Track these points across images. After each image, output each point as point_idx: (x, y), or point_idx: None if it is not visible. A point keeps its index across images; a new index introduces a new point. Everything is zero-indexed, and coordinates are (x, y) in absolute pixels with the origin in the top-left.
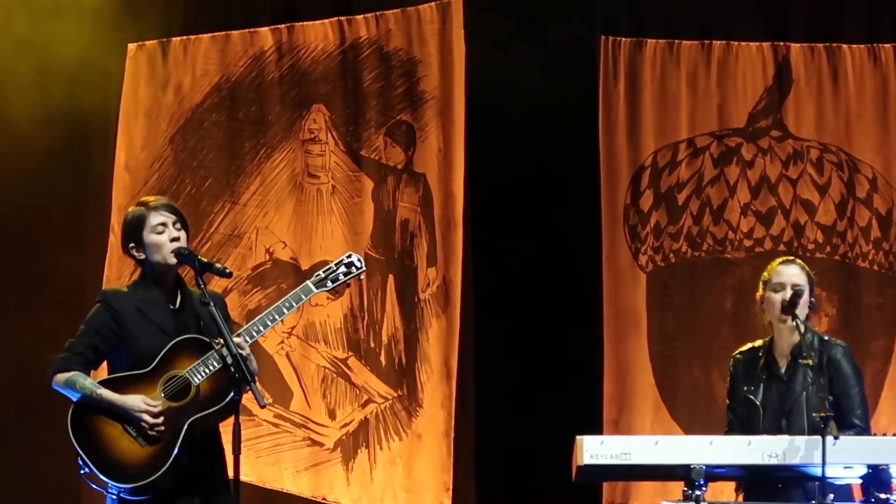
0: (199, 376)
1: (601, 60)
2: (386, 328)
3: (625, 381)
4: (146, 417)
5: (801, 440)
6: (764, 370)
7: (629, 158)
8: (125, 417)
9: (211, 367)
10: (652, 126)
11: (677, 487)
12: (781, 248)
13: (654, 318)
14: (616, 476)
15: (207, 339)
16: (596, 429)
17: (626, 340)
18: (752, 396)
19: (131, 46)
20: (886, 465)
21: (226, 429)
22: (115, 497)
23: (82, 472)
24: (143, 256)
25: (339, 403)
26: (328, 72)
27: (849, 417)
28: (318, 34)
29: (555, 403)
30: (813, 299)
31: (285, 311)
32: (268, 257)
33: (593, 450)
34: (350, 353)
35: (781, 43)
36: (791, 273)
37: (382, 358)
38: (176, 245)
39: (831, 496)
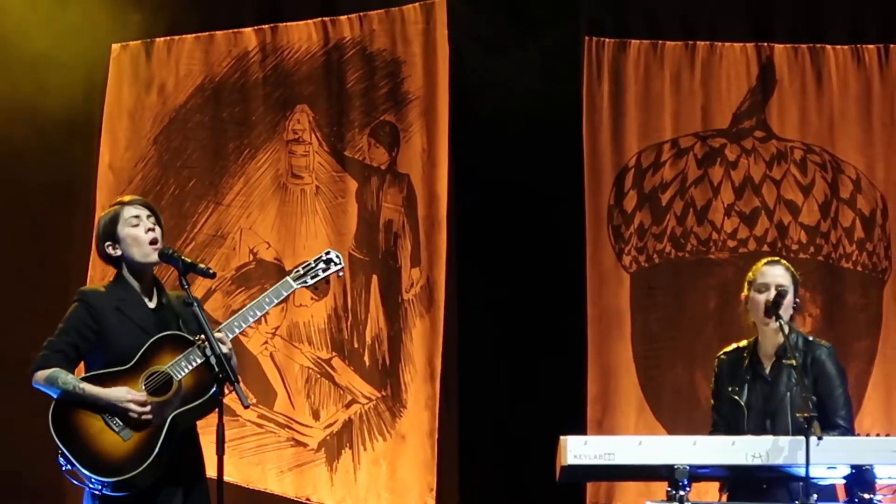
0: (182, 371)
1: (585, 61)
2: (370, 328)
3: (609, 382)
4: (133, 407)
5: (784, 440)
6: (748, 371)
7: (613, 159)
8: (109, 411)
9: (193, 363)
10: (636, 127)
11: (661, 488)
12: (765, 248)
13: (638, 319)
14: (600, 476)
15: (186, 335)
16: (580, 429)
17: (609, 341)
18: (736, 397)
19: (115, 47)
20: (870, 465)
21: (209, 429)
22: (97, 491)
23: (64, 468)
24: (119, 253)
25: (323, 404)
26: (312, 72)
27: (833, 418)
28: (302, 35)
29: (539, 404)
30: (797, 300)
31: (266, 306)
32: (252, 258)
33: (577, 450)
34: (334, 354)
35: (765, 44)
36: (776, 274)
37: (366, 358)
38: (156, 243)
39: (815, 496)
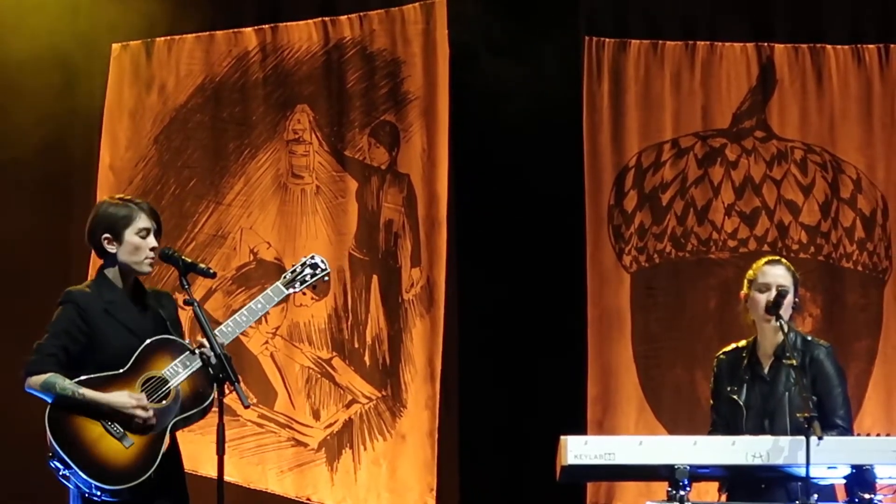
0: (178, 378)
1: (585, 61)
2: (370, 328)
3: (609, 382)
4: (139, 412)
5: (785, 440)
6: (747, 370)
7: (613, 159)
8: (110, 417)
9: (189, 367)
10: (636, 127)
11: (661, 487)
12: (765, 248)
13: (639, 319)
14: (600, 476)
15: (178, 339)
16: (580, 429)
17: (610, 341)
18: (735, 397)
19: (115, 46)
20: (870, 465)
21: (209, 429)
22: (96, 497)
23: (60, 473)
24: (113, 251)
25: (324, 404)
26: (312, 72)
27: (831, 418)
28: (302, 35)
29: (539, 404)
30: (797, 300)
31: (257, 311)
32: (252, 257)
33: (577, 450)
34: (334, 354)
35: (766, 44)
36: (777, 274)
37: (366, 358)
38: (151, 259)
39: (815, 497)
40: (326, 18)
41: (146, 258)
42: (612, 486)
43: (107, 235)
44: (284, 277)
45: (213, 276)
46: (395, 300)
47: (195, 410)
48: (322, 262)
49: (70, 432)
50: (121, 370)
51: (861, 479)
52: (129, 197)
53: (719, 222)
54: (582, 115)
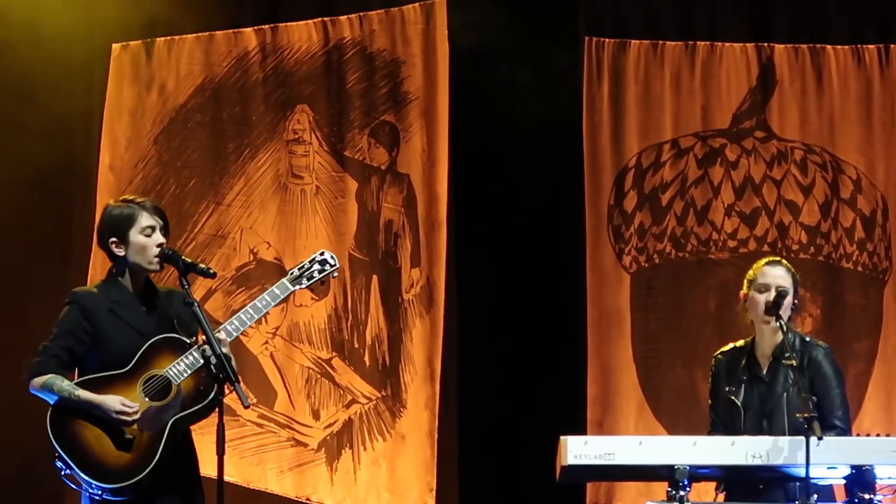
0: (181, 375)
1: (585, 61)
2: (370, 329)
3: (609, 382)
4: (124, 419)
5: (784, 441)
6: (745, 371)
7: (613, 159)
8: (104, 418)
9: (192, 366)
10: (636, 127)
11: (661, 488)
12: (766, 248)
13: (638, 319)
14: (600, 476)
15: (183, 338)
16: (580, 429)
17: (609, 341)
18: (733, 397)
19: (115, 46)
20: (870, 465)
21: (209, 429)
22: (97, 496)
23: (63, 473)
24: (122, 253)
25: (323, 404)
26: (312, 72)
27: (829, 419)
28: (302, 35)
29: (539, 404)
30: (796, 301)
31: (262, 308)
32: (252, 258)
33: (577, 450)
34: (334, 354)
35: (765, 44)
36: (777, 274)
37: (366, 358)
38: (160, 249)
39: (815, 496)
40: (326, 19)
41: (154, 255)
42: (612, 487)
43: (113, 239)
44: (291, 274)
45: (213, 276)
46: (394, 300)
47: (195, 408)
48: (332, 258)
49: (70, 432)
50: (123, 369)
51: (861, 479)
52: (131, 197)
53: (719, 222)
54: (582, 115)
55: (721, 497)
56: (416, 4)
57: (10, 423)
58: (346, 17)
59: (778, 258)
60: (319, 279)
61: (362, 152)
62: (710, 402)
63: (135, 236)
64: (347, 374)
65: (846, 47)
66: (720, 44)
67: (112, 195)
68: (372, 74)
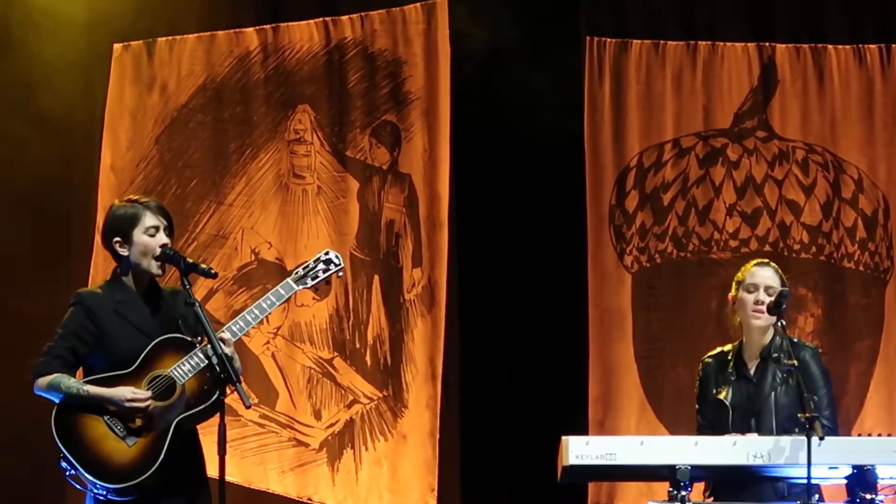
0: (185, 375)
1: (586, 61)
2: (371, 329)
3: (610, 382)
4: (137, 406)
5: (786, 440)
6: (733, 372)
7: (614, 159)
8: (113, 413)
9: (196, 366)
10: (637, 127)
11: (663, 488)
12: (767, 248)
13: (640, 319)
14: (601, 476)
15: (188, 338)
16: (581, 429)
17: (611, 341)
18: (721, 397)
19: (117, 47)
20: (872, 465)
21: (211, 429)
22: (102, 497)
23: (68, 473)
24: (125, 253)
25: (325, 404)
26: (313, 72)
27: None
28: (304, 35)
29: (540, 404)
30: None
31: (266, 308)
32: (253, 258)
33: (579, 450)
34: (335, 354)
35: (767, 44)
36: (765, 275)
37: (368, 358)
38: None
39: (816, 496)
40: (328, 18)
41: (157, 255)
42: (614, 487)
43: (117, 239)
44: (296, 273)
45: (215, 276)
46: (396, 300)
47: (199, 408)
48: (336, 257)
49: (74, 432)
50: (128, 370)
51: (862, 479)
52: (136, 197)
53: (721, 222)
54: (583, 115)
55: (711, 499)
56: (418, 4)
57: (12, 424)
58: (347, 16)
59: (766, 260)
60: (324, 279)
61: (364, 152)
62: (696, 405)
63: (138, 236)
64: (349, 374)
65: (847, 47)
66: (721, 43)
67: (113, 195)
68: (373, 74)
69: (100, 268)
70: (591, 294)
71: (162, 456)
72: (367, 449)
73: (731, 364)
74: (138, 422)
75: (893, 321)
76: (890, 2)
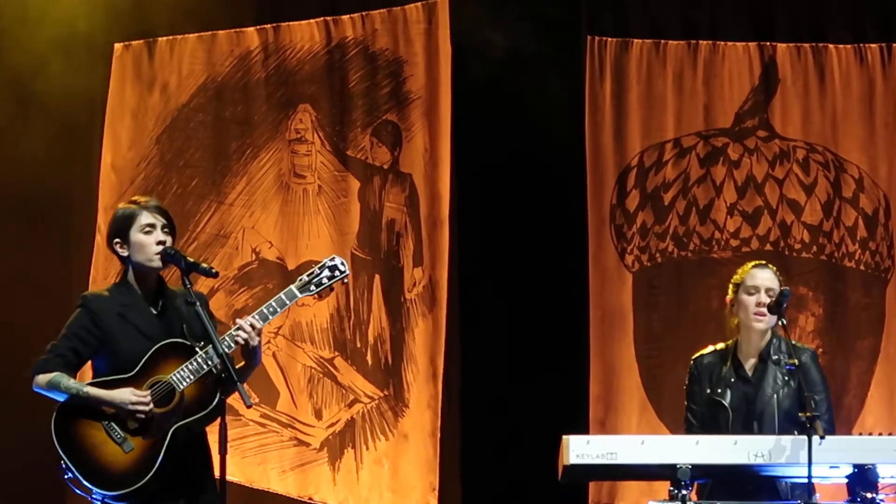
0: (184, 382)
1: (587, 60)
2: (372, 328)
3: (611, 381)
4: (141, 408)
5: (787, 440)
6: (731, 373)
7: (615, 158)
8: (112, 417)
9: (195, 371)
10: (638, 126)
11: (663, 487)
12: (768, 247)
13: (641, 318)
14: (602, 476)
15: (190, 343)
16: (582, 428)
17: (612, 340)
18: (719, 398)
19: (117, 46)
20: (872, 464)
21: (212, 429)
22: (98, 500)
23: (66, 476)
24: (126, 254)
25: (326, 403)
26: (314, 72)
27: None
28: (305, 34)
29: (541, 403)
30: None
31: (269, 315)
32: (254, 257)
33: (579, 449)
34: (336, 353)
35: (768, 43)
36: (765, 277)
37: (369, 358)
38: (161, 247)
39: (818, 496)
40: (328, 18)
41: (154, 253)
42: (615, 486)
43: (117, 240)
44: (300, 280)
45: (216, 275)
46: (397, 300)
47: (198, 416)
48: (342, 263)
49: (73, 437)
50: (129, 374)
51: (863, 478)
52: (136, 198)
53: (721, 222)
54: (584, 114)
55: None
56: (419, 4)
57: (14, 424)
58: (348, 16)
59: (764, 262)
60: (328, 285)
61: (364, 152)
62: (686, 403)
63: (135, 235)
64: (350, 374)
65: (848, 46)
66: (722, 43)
67: (114, 195)
68: (374, 74)
69: (100, 268)
70: (592, 293)
71: (158, 463)
72: (367, 448)
73: (728, 364)
74: (136, 428)
75: (894, 320)
76: (890, 1)
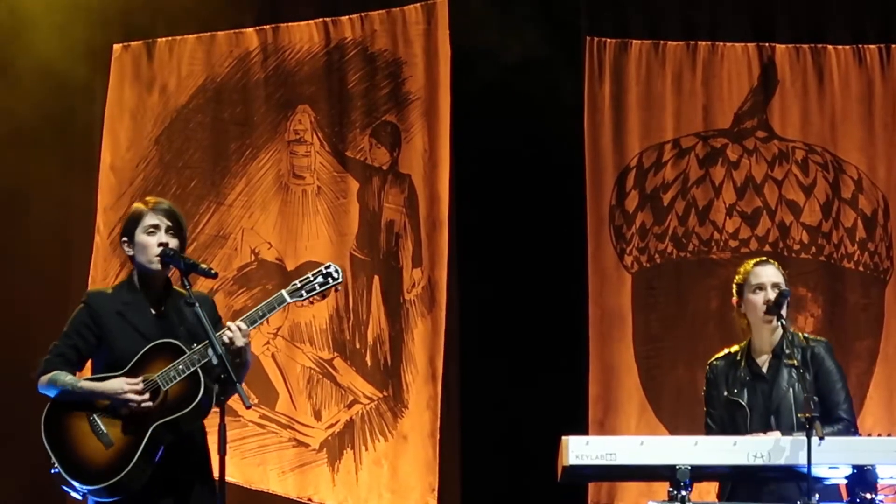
0: (169, 381)
1: (586, 61)
2: (371, 329)
3: (610, 382)
4: (133, 397)
5: (786, 440)
6: (746, 372)
7: (614, 159)
8: (102, 410)
9: (181, 372)
10: (637, 127)
11: (663, 488)
12: (767, 248)
13: (640, 319)
14: (601, 476)
15: (181, 345)
16: (581, 429)
17: (611, 341)
18: (737, 399)
19: (117, 47)
20: (872, 465)
21: (211, 429)
22: (81, 496)
23: (53, 470)
24: (131, 253)
25: (325, 404)
26: (313, 73)
27: (835, 412)
28: (304, 35)
29: (540, 404)
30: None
31: (258, 319)
32: (253, 258)
33: (579, 450)
34: (335, 354)
35: (767, 44)
36: (769, 273)
37: (368, 359)
38: (161, 248)
39: (816, 496)
40: (328, 19)
41: (154, 255)
42: (614, 487)
43: (125, 239)
44: (293, 286)
45: (215, 276)
46: (396, 300)
47: (176, 416)
48: (336, 271)
49: (59, 431)
50: (120, 371)
51: (862, 479)
52: (148, 198)
53: (720, 222)
54: (583, 115)
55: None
56: (418, 5)
57: (15, 424)
58: (347, 17)
59: (765, 258)
60: (319, 292)
61: (364, 152)
62: (705, 409)
63: (139, 235)
64: (349, 375)
65: (847, 47)
66: (721, 44)
67: (113, 196)
68: (373, 75)
69: (100, 268)
70: (591, 294)
71: (134, 461)
72: (367, 449)
73: (743, 364)
74: (119, 424)
75: (893, 321)
76: (890, 2)
